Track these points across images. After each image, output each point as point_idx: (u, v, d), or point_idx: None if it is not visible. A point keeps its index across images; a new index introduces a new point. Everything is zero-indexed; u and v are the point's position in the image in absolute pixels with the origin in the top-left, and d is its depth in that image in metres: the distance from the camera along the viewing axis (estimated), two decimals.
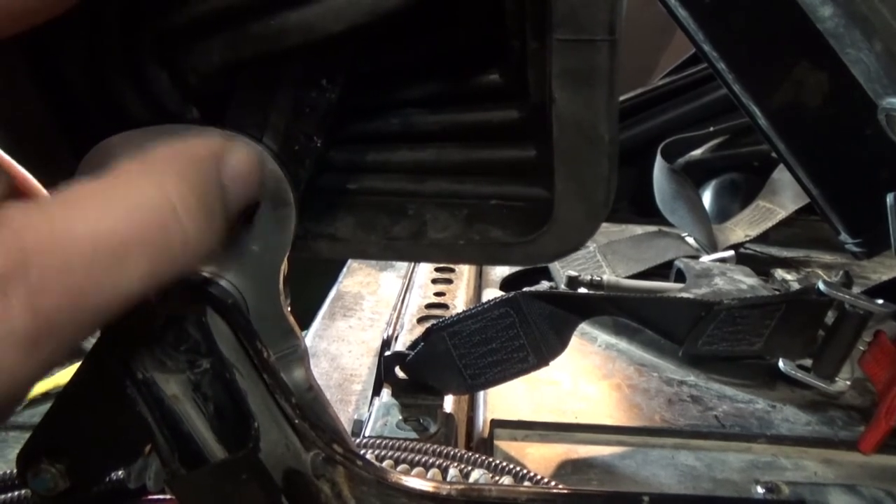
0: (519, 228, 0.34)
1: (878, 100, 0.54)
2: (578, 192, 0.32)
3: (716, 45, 0.93)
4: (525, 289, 1.08)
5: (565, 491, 0.40)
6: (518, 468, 0.49)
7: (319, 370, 0.92)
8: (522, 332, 0.69)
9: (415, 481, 0.36)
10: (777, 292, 1.07)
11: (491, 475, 0.48)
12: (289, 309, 0.37)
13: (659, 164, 1.29)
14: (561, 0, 0.28)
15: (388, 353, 0.73)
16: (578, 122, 0.30)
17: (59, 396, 0.37)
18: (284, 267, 0.37)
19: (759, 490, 0.55)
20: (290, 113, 0.35)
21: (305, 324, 1.08)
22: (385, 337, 0.81)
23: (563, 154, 0.31)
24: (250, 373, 0.34)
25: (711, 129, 1.39)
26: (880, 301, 0.72)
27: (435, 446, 0.55)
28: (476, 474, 0.45)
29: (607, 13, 0.28)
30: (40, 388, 1.26)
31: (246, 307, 0.36)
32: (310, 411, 0.36)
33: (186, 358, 0.34)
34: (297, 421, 0.34)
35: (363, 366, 0.94)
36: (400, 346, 0.79)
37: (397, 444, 0.53)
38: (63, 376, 1.27)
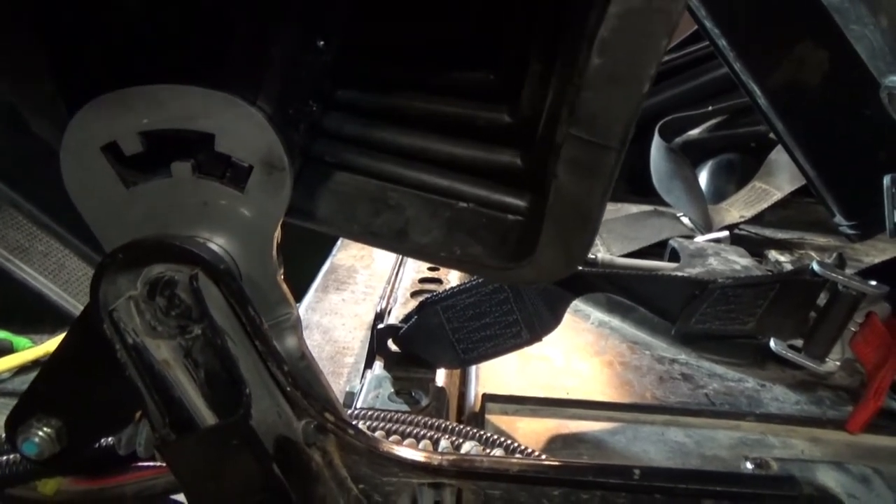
0: (499, 253, 0.34)
1: (881, 78, 0.54)
2: (560, 248, 0.33)
3: (717, 21, 0.92)
4: None
5: (556, 463, 0.40)
6: (509, 441, 0.50)
7: (312, 342, 0.92)
8: (516, 308, 0.69)
9: (406, 451, 0.36)
10: (770, 272, 1.07)
11: (482, 447, 0.48)
12: (281, 276, 0.37)
13: (656, 144, 1.28)
14: (585, 103, 0.28)
15: (380, 325, 0.73)
16: (574, 202, 0.31)
17: (50, 359, 0.36)
18: (277, 234, 0.37)
19: (749, 466, 0.55)
20: (285, 74, 0.34)
21: (298, 296, 1.08)
22: (378, 310, 0.81)
23: (553, 218, 0.32)
24: (242, 339, 0.33)
25: (710, 108, 1.38)
26: (873, 282, 0.72)
27: (426, 418, 0.55)
28: (467, 446, 0.45)
29: (623, 127, 0.29)
30: (30, 355, 1.26)
31: (238, 273, 0.36)
32: (302, 380, 0.35)
33: (178, 323, 0.34)
34: (289, 389, 0.34)
35: (356, 339, 0.94)
36: (393, 319, 0.79)
37: (388, 416, 0.53)
38: (52, 344, 1.26)
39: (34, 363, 1.24)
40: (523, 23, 0.33)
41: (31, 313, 1.25)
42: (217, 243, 0.35)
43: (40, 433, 0.36)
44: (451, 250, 0.34)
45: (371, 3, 0.34)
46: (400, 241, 0.35)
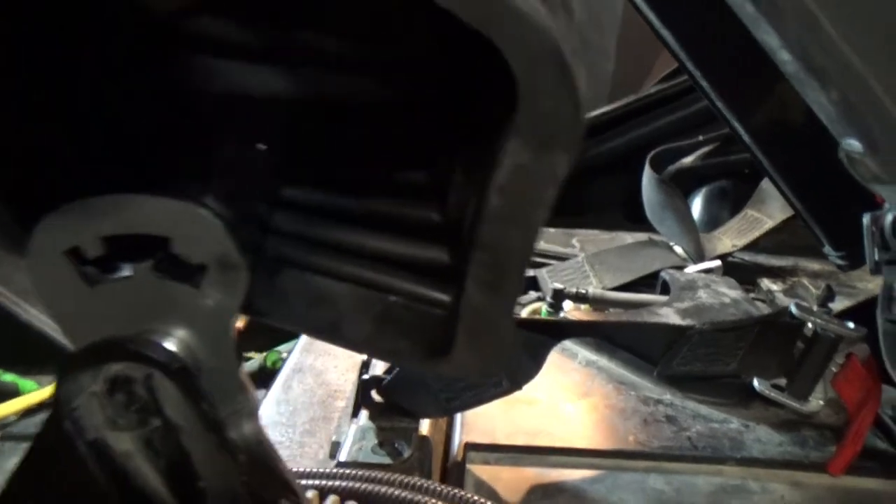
0: (424, 348, 0.35)
1: (839, 139, 0.55)
2: (474, 350, 0.34)
3: (698, 63, 0.93)
4: None
5: None
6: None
7: (304, 386, 0.94)
8: None
9: None
10: (761, 303, 1.08)
11: None
12: (241, 365, 0.39)
13: (647, 175, 1.29)
14: (485, 233, 0.30)
15: (365, 376, 0.74)
16: (482, 313, 0.33)
17: (22, 461, 0.38)
18: (236, 327, 0.38)
19: None
20: (232, 176, 0.36)
21: (292, 336, 1.09)
22: (364, 359, 0.82)
23: (464, 324, 0.33)
24: (198, 433, 0.35)
25: (700, 137, 1.39)
26: (851, 325, 0.73)
27: (404, 478, 0.56)
28: None
29: (520, 260, 0.31)
30: (36, 398, 1.28)
31: (198, 365, 0.37)
32: (261, 465, 0.37)
33: (137, 417, 0.35)
34: (244, 478, 0.35)
35: (348, 381, 0.96)
36: (379, 368, 0.80)
37: (365, 476, 0.55)
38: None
39: (39, 406, 1.26)
40: (451, 135, 0.34)
41: (37, 356, 1.27)
42: (177, 337, 0.37)
43: None
44: (379, 345, 0.36)
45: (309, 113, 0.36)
46: (333, 336, 0.36)
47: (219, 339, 0.37)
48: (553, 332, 0.74)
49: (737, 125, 0.97)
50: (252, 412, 0.38)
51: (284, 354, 1.06)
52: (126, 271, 0.36)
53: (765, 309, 0.97)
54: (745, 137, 0.99)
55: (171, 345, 0.36)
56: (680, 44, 0.91)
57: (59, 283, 0.36)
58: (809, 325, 0.74)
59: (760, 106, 0.94)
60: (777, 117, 0.94)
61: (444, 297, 0.35)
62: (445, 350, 0.34)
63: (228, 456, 0.35)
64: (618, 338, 0.78)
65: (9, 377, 1.30)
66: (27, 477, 0.36)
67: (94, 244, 0.35)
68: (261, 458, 0.38)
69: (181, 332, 0.37)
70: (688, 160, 1.43)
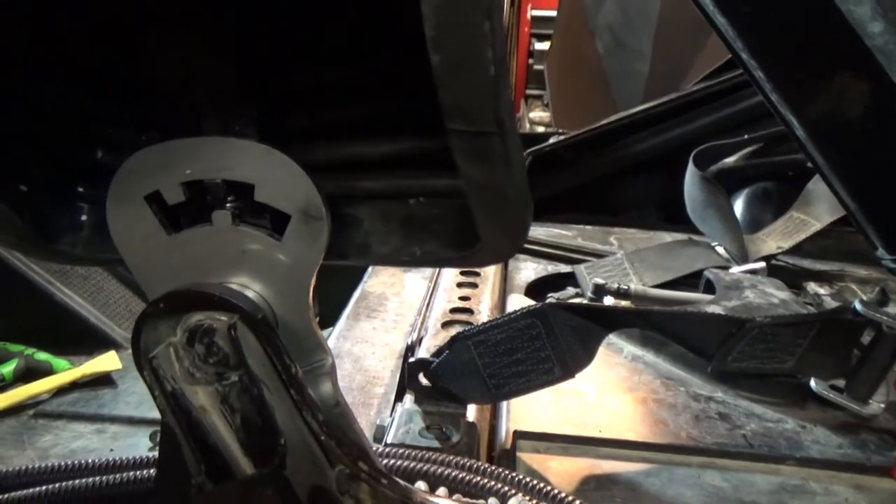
0: (454, 243, 0.34)
1: None
2: (497, 228, 0.33)
3: (754, 53, 0.90)
4: (550, 297, 1.08)
5: None
6: (555, 491, 0.48)
7: (343, 372, 0.92)
8: (548, 344, 0.68)
9: (442, 502, 0.35)
10: (809, 306, 1.04)
11: (527, 497, 0.47)
12: (317, 322, 0.37)
13: (690, 172, 1.27)
14: (444, 98, 0.29)
15: (412, 359, 0.72)
16: (484, 187, 0.32)
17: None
18: (314, 282, 0.37)
19: None
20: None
21: (330, 323, 1.08)
22: (409, 342, 0.81)
23: (476, 205, 0.32)
24: (278, 388, 0.33)
25: (746, 136, 1.36)
26: None
27: (463, 460, 0.54)
28: (514, 502, 0.44)
29: (491, 112, 0.29)
30: (69, 377, 1.28)
31: (275, 320, 0.36)
32: (336, 427, 0.35)
33: (215, 370, 0.34)
34: (323, 438, 0.34)
35: (386, 368, 0.94)
36: (424, 351, 0.79)
37: (422, 456, 0.53)
38: (90, 366, 1.29)
39: (72, 385, 1.26)
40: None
41: (71, 335, 1.27)
42: (255, 290, 0.35)
43: None
44: (411, 252, 0.35)
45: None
46: (365, 256, 0.35)
47: (297, 295, 0.36)
48: (605, 320, 0.72)
49: (791, 118, 0.94)
50: (329, 371, 0.37)
51: None
52: (207, 219, 0.35)
53: (814, 311, 0.94)
54: (799, 132, 0.96)
55: (251, 297, 0.35)
56: (737, 31, 0.88)
57: (137, 230, 0.35)
58: (876, 323, 0.72)
59: (817, 98, 0.91)
60: (834, 110, 0.91)
61: (459, 183, 0.34)
62: (475, 238, 0.33)
63: (308, 414, 0.33)
64: (671, 329, 0.75)
65: (42, 356, 1.30)
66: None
67: (175, 190, 0.34)
68: (338, 419, 0.36)
69: (259, 286, 0.36)
70: (730, 160, 1.40)
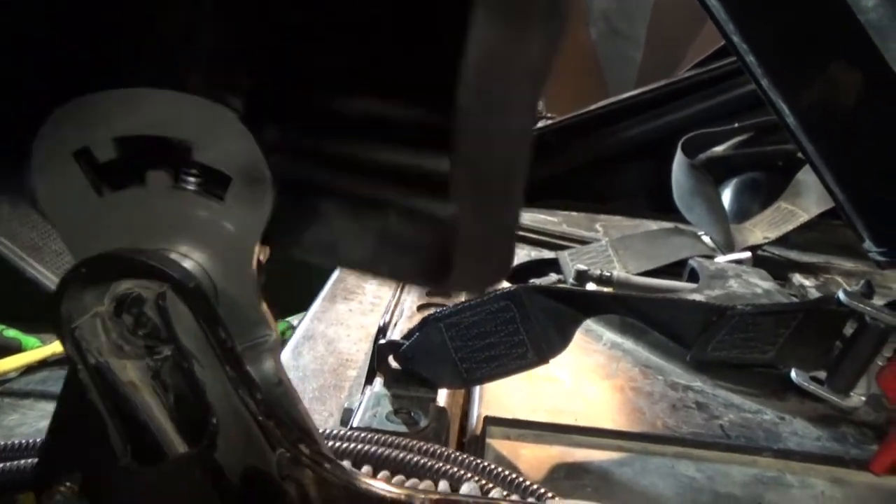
0: (426, 266, 0.32)
1: None
2: (477, 264, 0.31)
3: (747, 37, 0.88)
4: (531, 281, 1.06)
5: None
6: (514, 476, 0.46)
7: (315, 353, 0.90)
8: (523, 328, 0.66)
9: (386, 487, 0.33)
10: (794, 298, 1.03)
11: (482, 481, 0.45)
12: (262, 296, 0.35)
13: (679, 160, 1.25)
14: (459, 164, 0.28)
15: (382, 341, 0.70)
16: (473, 231, 0.30)
17: (54, 416, 0.34)
18: (262, 253, 0.34)
19: None
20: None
21: (305, 306, 1.06)
22: (382, 323, 0.78)
23: (464, 238, 0.31)
24: (211, 363, 0.31)
25: (736, 125, 1.34)
26: None
27: (423, 444, 0.52)
28: (466, 488, 0.42)
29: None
30: (38, 355, 1.25)
31: (215, 291, 0.33)
32: (278, 407, 0.33)
33: (145, 343, 0.32)
34: (260, 418, 0.31)
35: (360, 351, 0.92)
36: (397, 333, 0.76)
37: (383, 440, 0.51)
38: (60, 344, 1.26)
39: (41, 363, 1.23)
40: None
41: (41, 312, 1.24)
42: (192, 258, 0.33)
43: (63, 489, 0.33)
44: (379, 264, 0.32)
45: None
46: (330, 257, 0.33)
47: (240, 265, 0.33)
48: (581, 304, 0.70)
49: (782, 106, 0.92)
50: (272, 348, 0.34)
51: (295, 322, 1.02)
52: (140, 180, 0.32)
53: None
54: (790, 119, 0.93)
55: (187, 265, 0.32)
56: (730, 15, 0.86)
57: (65, 189, 0.32)
58: (859, 314, 0.70)
59: (810, 86, 0.89)
60: (827, 99, 0.89)
61: (443, 212, 0.31)
62: (447, 268, 0.30)
63: (245, 392, 0.31)
64: (650, 315, 0.73)
65: (11, 333, 1.27)
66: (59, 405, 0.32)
67: (106, 146, 0.32)
68: (279, 398, 0.34)
69: (198, 254, 0.33)
70: (719, 149, 1.38)
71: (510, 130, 0.27)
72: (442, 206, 0.31)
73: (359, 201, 0.32)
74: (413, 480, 0.44)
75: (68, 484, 0.32)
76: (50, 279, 1.31)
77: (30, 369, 1.23)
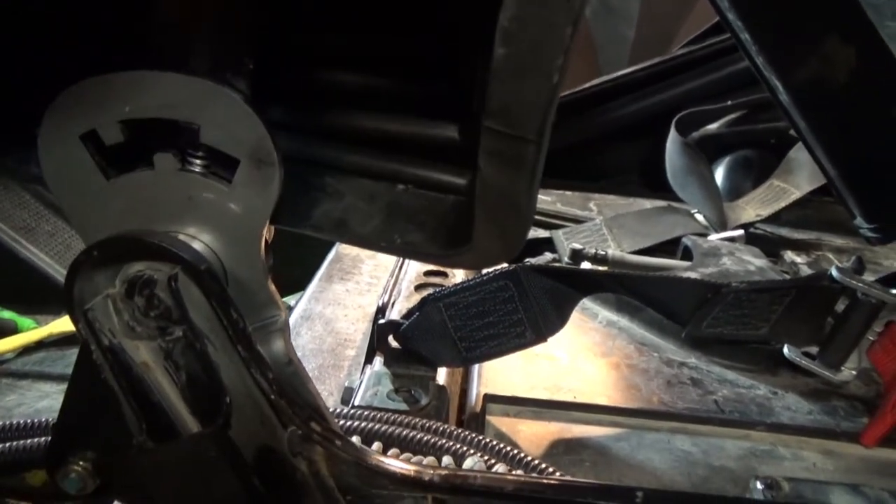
0: (438, 239, 0.32)
1: None
2: (495, 235, 0.32)
3: (741, 13, 0.88)
4: (527, 260, 1.07)
5: (554, 482, 0.38)
6: (514, 451, 0.47)
7: (313, 333, 0.91)
8: (521, 307, 0.66)
9: (396, 463, 0.34)
10: (786, 274, 1.04)
11: (484, 457, 0.46)
12: (270, 277, 0.35)
13: (672, 138, 1.25)
14: (494, 94, 0.27)
15: (381, 320, 0.71)
16: (500, 193, 0.30)
17: (68, 391, 0.34)
18: (268, 232, 0.35)
19: (759, 486, 0.53)
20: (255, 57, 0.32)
21: (302, 285, 1.06)
22: (380, 303, 0.79)
23: (483, 207, 0.31)
24: (224, 344, 0.31)
25: (729, 102, 1.34)
26: (894, 290, 0.70)
27: (426, 422, 0.53)
28: (469, 462, 0.43)
29: (539, 119, 0.28)
30: (34, 336, 1.25)
31: (224, 273, 0.34)
32: (288, 386, 0.34)
33: (157, 324, 0.32)
34: (273, 397, 0.32)
35: (358, 331, 0.92)
36: (395, 313, 0.77)
37: (386, 418, 0.51)
38: (56, 325, 1.25)
39: (38, 344, 1.23)
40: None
41: (36, 294, 1.24)
42: (201, 240, 0.33)
43: (78, 467, 0.34)
44: (391, 238, 0.33)
45: None
46: (340, 233, 0.33)
47: (248, 246, 0.34)
48: (579, 283, 0.70)
49: (776, 83, 0.92)
50: (282, 328, 0.35)
51: (293, 302, 1.02)
52: (147, 162, 0.32)
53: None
54: (783, 97, 0.94)
55: (196, 247, 0.32)
56: None
57: (72, 173, 0.32)
58: (851, 290, 0.71)
59: (804, 62, 0.89)
60: (820, 75, 0.90)
61: (457, 180, 0.32)
62: (464, 239, 0.31)
63: (257, 372, 0.31)
64: (646, 294, 0.74)
65: (7, 314, 1.26)
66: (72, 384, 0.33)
67: (113, 128, 0.32)
68: (290, 377, 0.34)
69: (207, 236, 0.33)
70: (713, 127, 1.38)
71: (545, 83, 0.27)
72: (457, 175, 0.31)
73: (370, 174, 0.33)
74: (418, 457, 0.45)
75: (82, 463, 0.33)
76: (43, 260, 1.30)
77: (27, 350, 1.23)
